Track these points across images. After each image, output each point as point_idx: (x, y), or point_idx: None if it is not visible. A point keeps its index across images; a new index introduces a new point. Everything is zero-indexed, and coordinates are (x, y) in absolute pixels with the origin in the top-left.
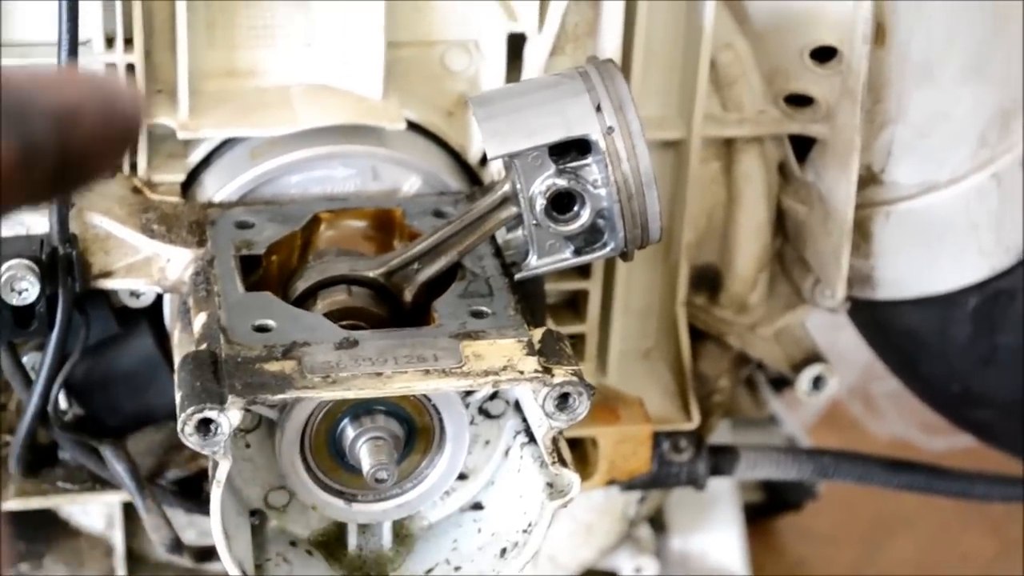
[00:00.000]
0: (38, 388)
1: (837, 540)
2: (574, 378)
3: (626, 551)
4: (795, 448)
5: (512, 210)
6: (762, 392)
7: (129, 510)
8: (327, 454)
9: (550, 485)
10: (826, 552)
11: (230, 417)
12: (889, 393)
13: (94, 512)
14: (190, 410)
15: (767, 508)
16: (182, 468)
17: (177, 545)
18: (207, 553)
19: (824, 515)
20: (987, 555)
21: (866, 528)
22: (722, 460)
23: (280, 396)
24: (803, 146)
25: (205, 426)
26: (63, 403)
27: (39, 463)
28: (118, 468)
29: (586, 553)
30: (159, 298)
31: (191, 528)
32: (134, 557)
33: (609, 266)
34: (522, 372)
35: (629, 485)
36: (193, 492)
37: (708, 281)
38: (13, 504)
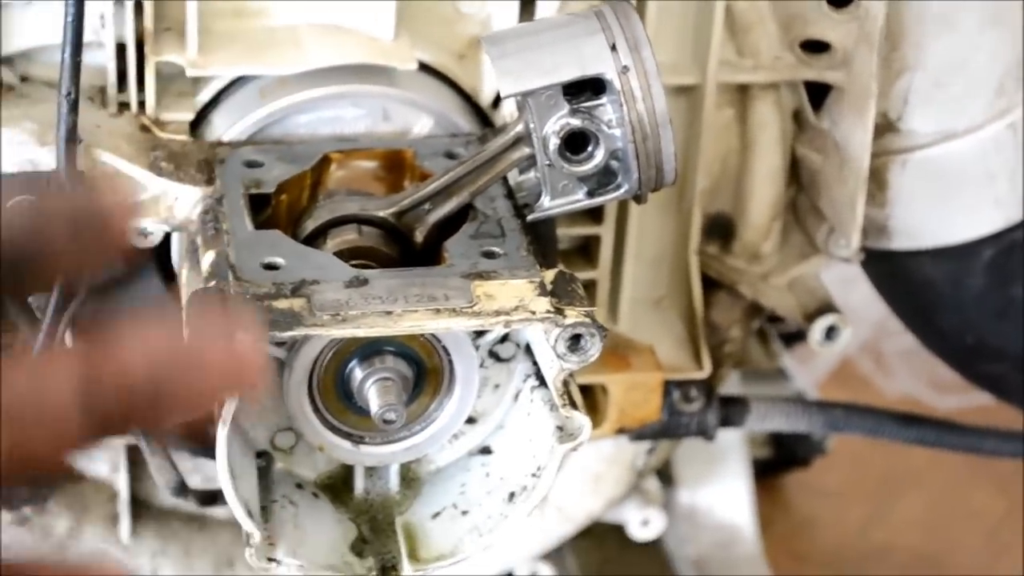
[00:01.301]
0: (44, 328)
1: (845, 497)
2: (587, 319)
3: (633, 503)
4: (806, 400)
5: (525, 151)
6: (773, 344)
7: (134, 455)
8: (335, 395)
9: (560, 428)
10: (834, 509)
11: None
12: (900, 351)
13: (98, 457)
14: None
15: (775, 464)
16: None
17: (182, 488)
18: (212, 497)
19: (833, 472)
20: (997, 513)
21: (875, 485)
22: (732, 411)
23: (289, 333)
24: (819, 93)
25: None
26: (69, 343)
27: None
28: None
29: (594, 504)
30: (166, 239)
31: (196, 474)
32: (138, 503)
33: (622, 212)
34: (534, 312)
35: (639, 435)
36: (199, 435)
37: (721, 229)
38: None
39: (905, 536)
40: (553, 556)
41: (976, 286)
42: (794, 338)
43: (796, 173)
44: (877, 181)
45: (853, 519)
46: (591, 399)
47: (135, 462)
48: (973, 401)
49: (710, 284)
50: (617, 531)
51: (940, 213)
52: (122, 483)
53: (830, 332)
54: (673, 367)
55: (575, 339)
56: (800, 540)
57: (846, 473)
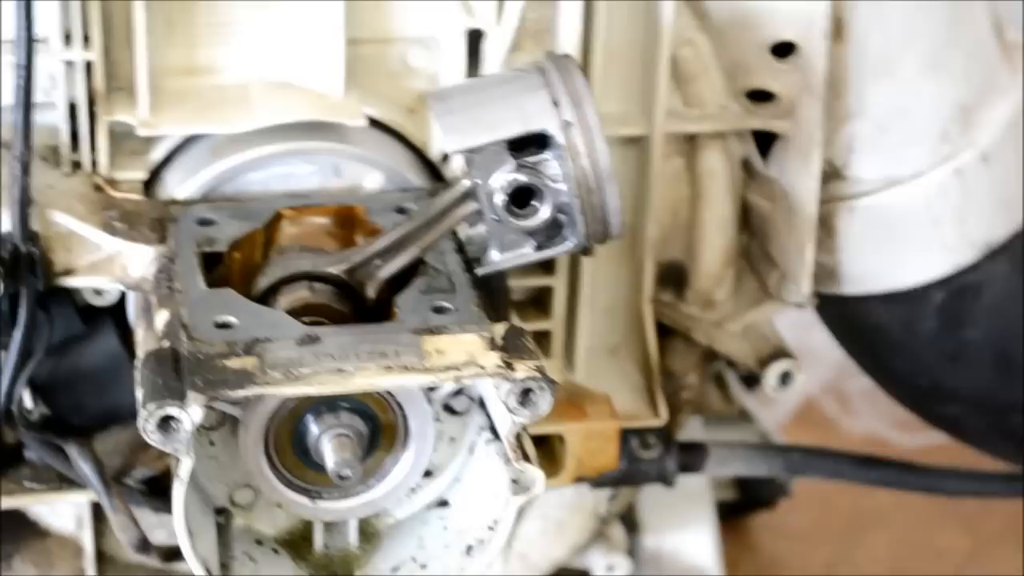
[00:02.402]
0: (2, 387)
1: (812, 537)
2: (536, 373)
3: (598, 550)
4: (765, 445)
5: (473, 205)
6: (731, 388)
7: (98, 510)
8: (292, 451)
9: (515, 482)
10: (801, 550)
11: (191, 414)
12: (863, 391)
13: (63, 512)
14: (151, 407)
15: (741, 506)
16: (150, 467)
17: (145, 545)
18: (175, 553)
19: (798, 512)
20: (962, 551)
21: (841, 525)
22: (692, 457)
23: (241, 392)
24: (766, 141)
25: (166, 423)
26: (28, 402)
27: (5, 463)
28: (84, 467)
29: (558, 551)
30: (123, 295)
31: (161, 529)
32: (104, 558)
33: (574, 262)
34: (483, 367)
35: (598, 483)
36: (161, 491)
37: (674, 277)
38: None
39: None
40: None
41: (928, 330)
42: (755, 380)
43: (747, 220)
44: (825, 227)
45: (819, 560)
46: (548, 448)
47: (100, 517)
48: (938, 439)
49: (665, 331)
50: None
51: (888, 258)
52: (87, 538)
53: (784, 378)
54: (630, 415)
55: (525, 393)
56: None
57: (811, 514)
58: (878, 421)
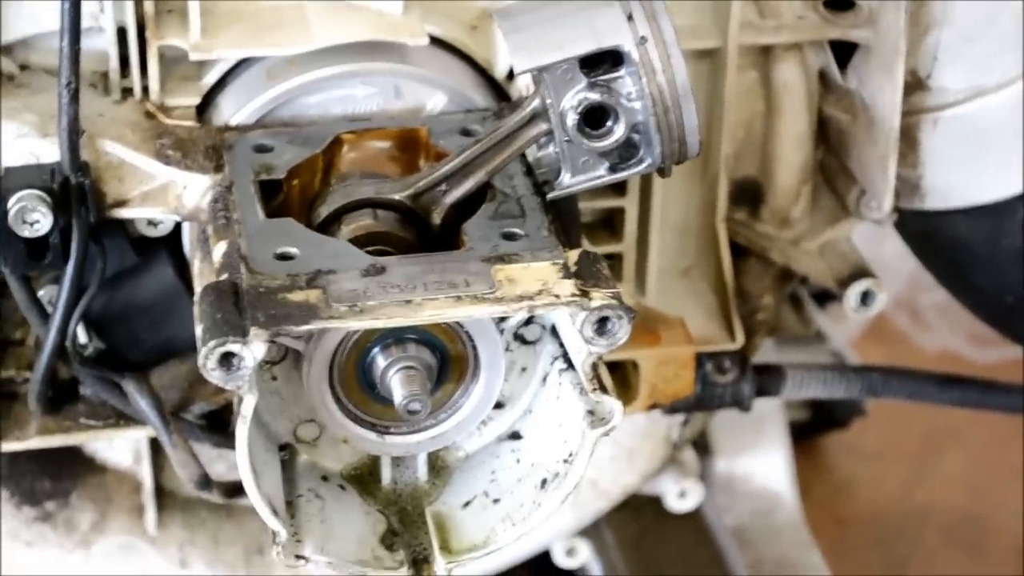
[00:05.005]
0: (55, 322)
1: (886, 457)
2: (613, 301)
3: (670, 475)
4: (843, 366)
5: (542, 126)
6: (807, 308)
7: (157, 444)
8: (357, 385)
9: (591, 413)
10: (875, 470)
11: (253, 350)
12: (937, 304)
13: (121, 447)
14: (211, 344)
15: (814, 426)
16: (208, 401)
17: (205, 481)
18: (238, 488)
19: (872, 432)
20: None
21: (916, 444)
22: (768, 380)
23: (305, 327)
24: (845, 52)
25: (227, 360)
26: (83, 337)
27: (60, 399)
28: (141, 403)
29: (629, 478)
30: (178, 225)
31: (221, 461)
32: (164, 492)
33: (645, 182)
34: (558, 296)
35: (672, 408)
36: (221, 426)
37: (748, 195)
38: (35, 442)
39: (948, 495)
40: (589, 529)
41: (1014, 244)
42: (827, 297)
43: (824, 134)
44: (908, 140)
45: (894, 479)
46: (622, 375)
47: (158, 451)
48: (1014, 353)
49: (739, 251)
50: (654, 502)
51: (974, 171)
52: (146, 473)
53: (865, 297)
54: (705, 339)
55: (602, 322)
56: (841, 503)
57: (886, 433)
58: (952, 335)
